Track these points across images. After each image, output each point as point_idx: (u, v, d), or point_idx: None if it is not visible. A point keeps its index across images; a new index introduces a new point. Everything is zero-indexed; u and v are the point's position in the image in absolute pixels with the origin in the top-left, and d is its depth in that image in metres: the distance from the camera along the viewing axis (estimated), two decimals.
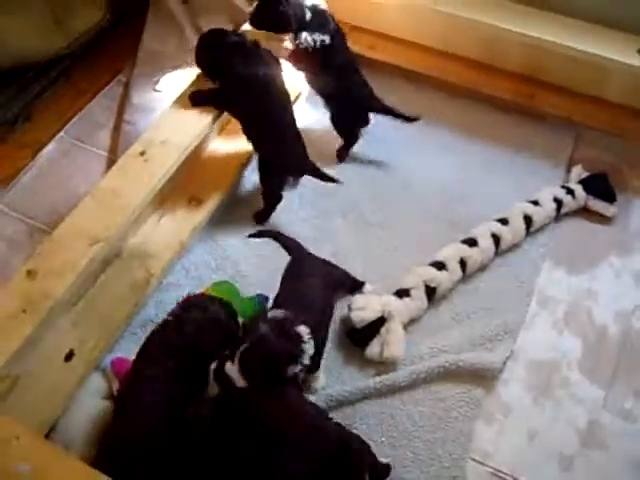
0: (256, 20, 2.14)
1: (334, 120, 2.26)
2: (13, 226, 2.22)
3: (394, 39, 2.50)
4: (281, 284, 1.78)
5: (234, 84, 1.98)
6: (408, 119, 2.25)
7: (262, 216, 2.15)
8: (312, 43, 2.08)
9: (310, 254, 1.89)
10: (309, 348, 1.52)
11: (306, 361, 1.52)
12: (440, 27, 2.39)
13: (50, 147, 2.43)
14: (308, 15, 2.10)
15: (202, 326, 1.59)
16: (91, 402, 1.74)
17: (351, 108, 2.23)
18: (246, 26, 2.20)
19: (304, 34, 2.09)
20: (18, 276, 1.67)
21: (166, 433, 1.50)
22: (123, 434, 1.53)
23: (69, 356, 1.75)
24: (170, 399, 1.53)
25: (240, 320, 1.69)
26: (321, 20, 2.12)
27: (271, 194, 2.13)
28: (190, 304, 1.64)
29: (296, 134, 2.07)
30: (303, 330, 1.54)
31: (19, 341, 1.57)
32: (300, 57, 2.14)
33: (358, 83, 2.21)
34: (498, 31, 2.25)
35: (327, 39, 2.09)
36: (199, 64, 2.04)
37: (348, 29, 2.47)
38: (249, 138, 2.06)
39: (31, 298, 1.63)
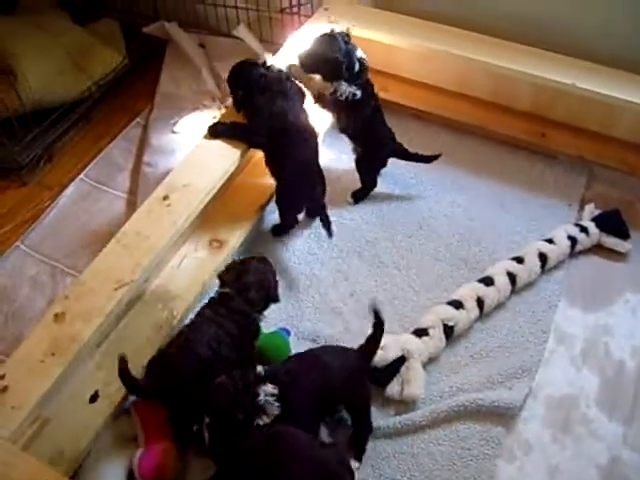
0: (308, 62, 2.15)
1: (359, 164, 2.29)
2: (36, 267, 2.26)
3: (407, 80, 2.56)
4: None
5: (256, 116, 2.05)
6: (429, 159, 2.29)
7: (279, 231, 2.24)
8: (346, 95, 2.12)
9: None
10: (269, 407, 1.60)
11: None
12: (453, 69, 2.45)
13: (70, 189, 2.48)
14: (357, 67, 2.12)
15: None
16: (116, 444, 1.77)
17: (375, 154, 2.27)
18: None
19: (343, 86, 2.11)
20: (45, 319, 1.71)
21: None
22: (179, 361, 1.70)
23: (94, 397, 1.77)
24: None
25: None
26: (360, 72, 2.15)
27: (288, 221, 2.22)
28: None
29: (318, 173, 2.13)
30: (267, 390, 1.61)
31: (49, 383, 1.60)
32: (329, 103, 2.19)
33: (383, 131, 2.25)
34: (509, 72, 2.30)
35: (359, 94, 2.13)
36: (230, 92, 2.14)
37: None
38: (270, 171, 2.12)
39: (59, 341, 1.66)
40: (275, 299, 1.87)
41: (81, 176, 2.51)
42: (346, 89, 2.11)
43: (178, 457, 1.74)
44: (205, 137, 2.09)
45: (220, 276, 1.85)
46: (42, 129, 2.53)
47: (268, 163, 2.11)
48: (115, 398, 1.78)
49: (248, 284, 1.80)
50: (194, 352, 1.71)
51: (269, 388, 1.61)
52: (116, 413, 1.78)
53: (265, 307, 1.85)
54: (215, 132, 2.09)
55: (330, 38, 2.12)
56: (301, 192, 2.12)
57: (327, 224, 2.13)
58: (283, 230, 2.24)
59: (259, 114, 2.04)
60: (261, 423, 1.59)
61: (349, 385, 1.73)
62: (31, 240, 2.33)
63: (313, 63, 2.14)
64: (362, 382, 1.78)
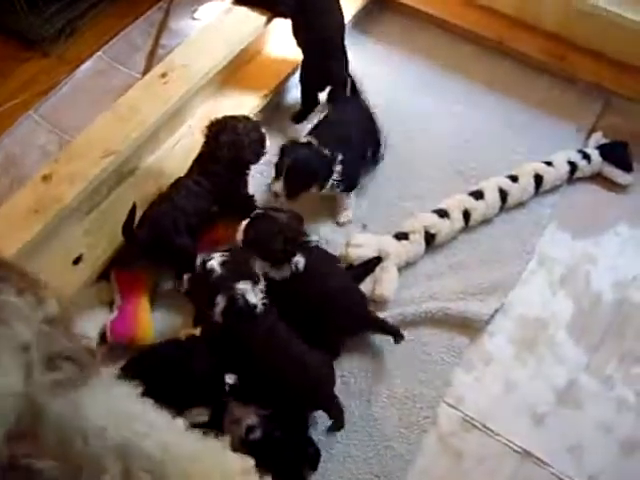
0: None
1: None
2: (46, 136, 2.31)
3: None
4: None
5: None
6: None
7: (299, 117, 2.26)
8: None
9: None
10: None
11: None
12: None
13: (88, 64, 2.50)
14: None
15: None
16: (92, 307, 1.85)
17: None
18: None
19: None
20: (34, 180, 1.78)
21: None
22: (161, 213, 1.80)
23: (77, 260, 1.85)
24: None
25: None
26: None
27: (309, 100, 2.24)
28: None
29: (341, 49, 2.13)
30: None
31: (28, 237, 1.68)
32: None
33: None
34: None
35: None
36: None
37: None
38: (297, 42, 2.13)
39: (43, 200, 1.73)
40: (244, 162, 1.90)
41: (99, 53, 2.53)
42: None
43: (150, 324, 1.83)
44: (232, 3, 2.11)
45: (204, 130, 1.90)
46: (66, 3, 2.54)
47: (294, 34, 2.13)
48: (97, 263, 1.86)
49: (221, 143, 1.84)
50: (176, 204, 1.80)
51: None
52: (96, 277, 1.86)
53: (237, 168, 1.90)
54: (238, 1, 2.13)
55: None
56: (322, 65, 2.14)
57: (357, 91, 2.16)
58: (303, 116, 2.26)
59: None
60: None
61: None
62: (44, 110, 2.37)
63: None
64: None
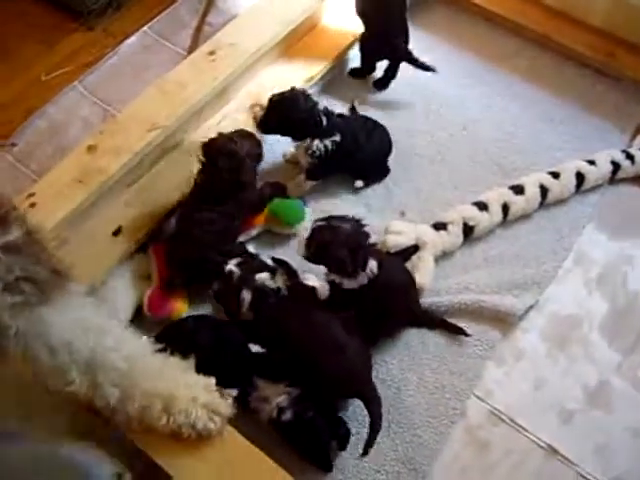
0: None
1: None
2: (89, 108, 2.34)
3: None
4: None
5: None
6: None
7: (356, 73, 2.33)
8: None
9: None
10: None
11: None
12: None
13: (134, 39, 2.52)
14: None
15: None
16: (130, 279, 1.87)
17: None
18: None
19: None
20: (79, 150, 1.80)
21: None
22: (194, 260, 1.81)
23: (117, 231, 1.87)
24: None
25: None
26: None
27: (367, 67, 2.31)
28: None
29: (402, 23, 2.17)
30: None
31: (72, 206, 1.70)
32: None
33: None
34: None
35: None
36: None
37: None
38: (360, 14, 2.17)
39: (87, 171, 1.75)
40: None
41: (145, 28, 2.55)
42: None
43: (185, 299, 1.85)
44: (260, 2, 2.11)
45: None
46: None
47: (357, 8, 2.17)
48: (137, 235, 1.87)
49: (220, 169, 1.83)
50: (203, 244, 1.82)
51: None
52: (134, 249, 1.88)
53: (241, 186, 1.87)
54: None
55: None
56: (384, 42, 2.18)
57: (420, 65, 2.20)
58: (361, 73, 2.32)
59: None
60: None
61: None
62: (88, 82, 2.41)
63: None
64: None
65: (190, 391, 1.42)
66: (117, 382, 1.33)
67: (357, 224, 1.74)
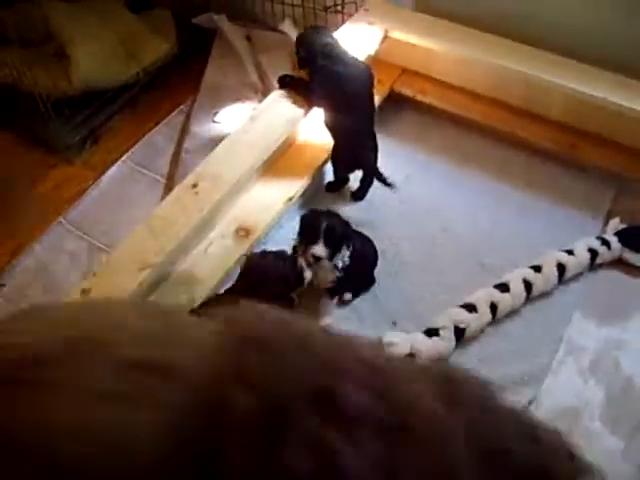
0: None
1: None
2: (75, 242, 2.38)
3: (444, 84, 2.59)
4: None
5: (319, 74, 2.21)
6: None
7: (331, 187, 2.43)
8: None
9: None
10: None
11: None
12: (488, 75, 2.46)
13: (113, 170, 2.59)
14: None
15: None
16: None
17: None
18: None
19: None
20: (73, 294, 1.82)
21: None
22: None
23: None
24: None
25: None
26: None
27: (341, 178, 2.40)
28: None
29: (372, 139, 2.25)
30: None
31: None
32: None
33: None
34: (544, 83, 2.32)
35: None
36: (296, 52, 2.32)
37: (401, 72, 2.60)
38: (329, 128, 2.25)
39: None
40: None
41: (124, 158, 2.62)
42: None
43: None
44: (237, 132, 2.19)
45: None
46: (90, 112, 2.65)
47: (327, 120, 2.25)
48: None
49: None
50: None
51: None
52: None
53: None
54: (283, 83, 2.32)
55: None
56: (354, 155, 2.28)
57: (383, 181, 2.30)
58: (336, 186, 2.42)
59: (322, 72, 2.21)
60: None
61: None
62: (72, 217, 2.45)
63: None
64: None
65: None
66: None
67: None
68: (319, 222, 1.93)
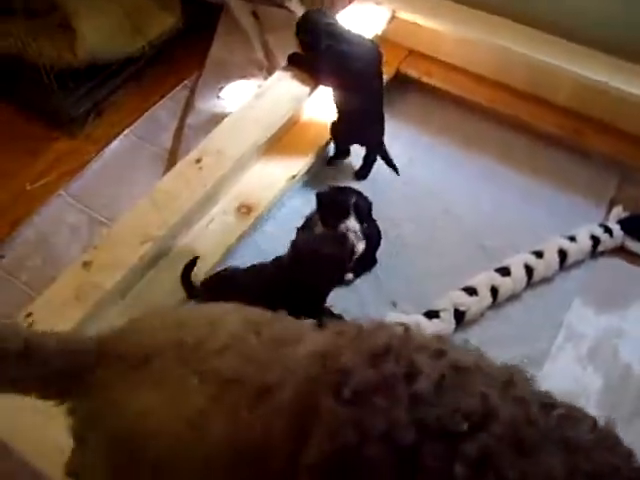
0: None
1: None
2: (76, 215, 2.36)
3: (449, 65, 2.58)
4: None
5: (326, 53, 2.19)
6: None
7: (333, 160, 2.42)
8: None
9: None
10: None
11: None
12: (493, 58, 2.45)
13: (116, 144, 2.57)
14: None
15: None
16: None
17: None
18: None
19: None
20: (75, 266, 1.82)
21: None
22: None
23: None
24: None
25: None
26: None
27: (341, 150, 2.39)
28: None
29: (378, 116, 2.24)
30: None
31: (70, 325, 1.71)
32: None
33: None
34: (550, 67, 2.31)
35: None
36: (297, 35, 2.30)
37: (407, 53, 2.58)
38: (337, 106, 2.24)
39: (84, 287, 1.77)
40: None
41: (127, 132, 2.61)
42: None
43: None
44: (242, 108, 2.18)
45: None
46: (94, 85, 2.63)
47: (335, 102, 2.25)
48: None
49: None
50: None
51: None
52: None
53: None
54: (293, 62, 2.33)
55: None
56: (356, 129, 2.27)
57: (389, 162, 2.31)
58: (336, 158, 2.41)
59: (329, 50, 2.19)
60: None
61: None
62: (74, 190, 2.43)
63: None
64: None
65: None
66: None
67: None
68: (346, 197, 1.97)
